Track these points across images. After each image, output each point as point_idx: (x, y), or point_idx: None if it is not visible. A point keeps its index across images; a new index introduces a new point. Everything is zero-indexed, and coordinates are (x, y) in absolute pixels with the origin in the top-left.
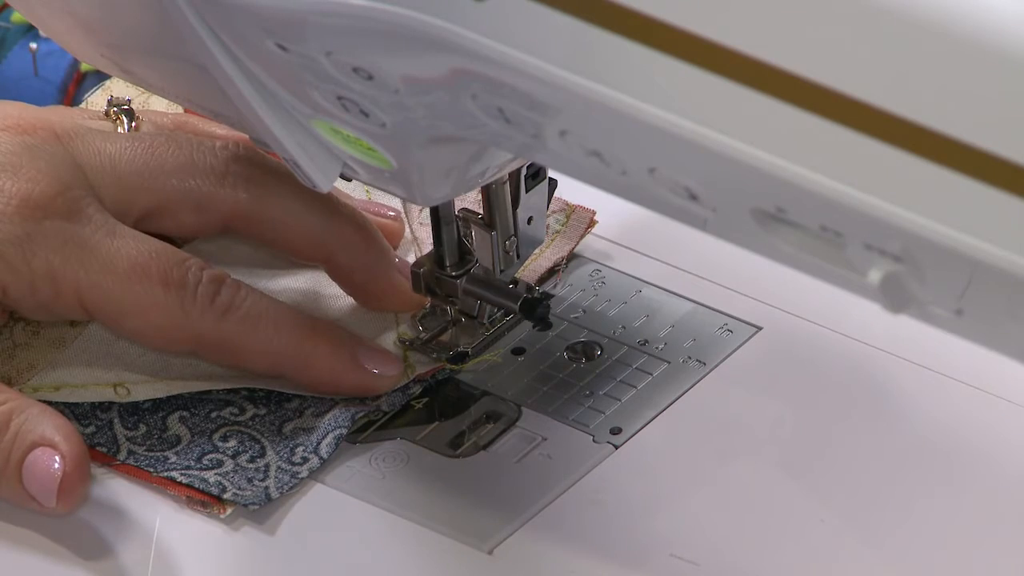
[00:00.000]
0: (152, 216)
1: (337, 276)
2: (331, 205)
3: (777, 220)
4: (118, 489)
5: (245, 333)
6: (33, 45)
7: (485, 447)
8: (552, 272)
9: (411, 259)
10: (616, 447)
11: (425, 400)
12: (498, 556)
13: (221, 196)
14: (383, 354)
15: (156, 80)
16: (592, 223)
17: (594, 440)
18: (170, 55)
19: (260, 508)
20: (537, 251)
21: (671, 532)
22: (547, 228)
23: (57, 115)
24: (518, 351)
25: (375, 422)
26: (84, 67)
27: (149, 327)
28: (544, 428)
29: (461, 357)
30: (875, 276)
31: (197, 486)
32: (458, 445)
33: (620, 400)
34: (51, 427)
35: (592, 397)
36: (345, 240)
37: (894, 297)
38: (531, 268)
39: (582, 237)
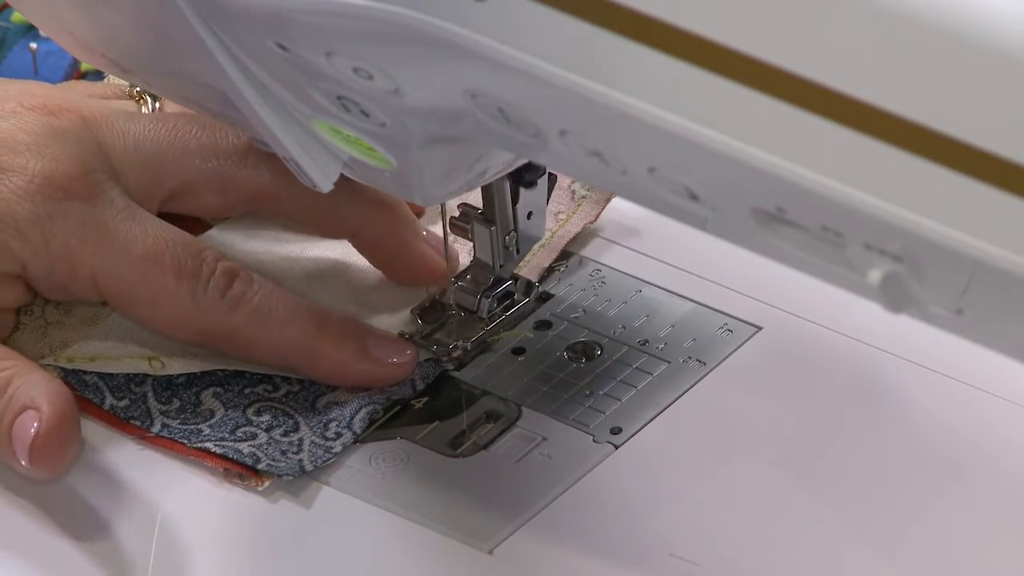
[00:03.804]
0: (176, 197)
1: (364, 250)
2: (358, 184)
3: (777, 220)
4: (119, 486)
5: (253, 327)
6: (33, 45)
7: (485, 447)
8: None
9: (437, 229)
10: (616, 447)
11: (425, 400)
12: (498, 556)
13: (244, 175)
14: (394, 342)
15: (157, 80)
16: None
17: (594, 440)
18: (170, 58)
19: (293, 480)
20: (564, 216)
21: (671, 532)
22: (572, 193)
23: (81, 93)
24: (518, 351)
25: (375, 421)
26: (84, 67)
27: (159, 316)
28: (544, 428)
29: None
30: (875, 276)
31: (231, 456)
32: (458, 445)
33: (620, 400)
34: (42, 391)
35: (592, 397)
36: (371, 214)
37: (894, 297)
38: (559, 235)
39: (608, 200)
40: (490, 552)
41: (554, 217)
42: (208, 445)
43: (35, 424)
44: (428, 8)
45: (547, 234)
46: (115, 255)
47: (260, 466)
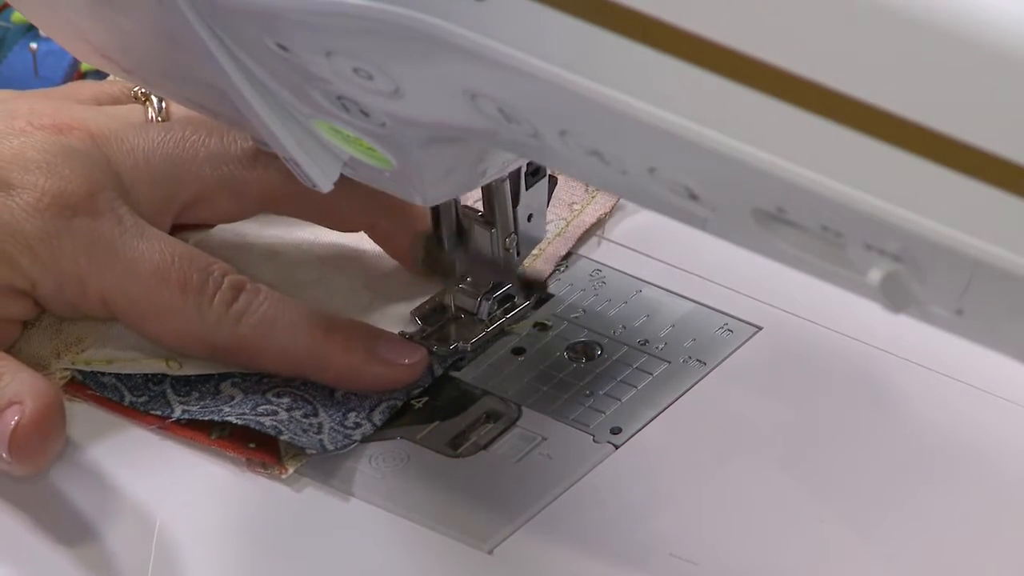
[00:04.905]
0: (191, 207)
1: (380, 240)
2: None
3: (777, 220)
4: (119, 487)
5: (261, 337)
6: (33, 45)
7: (485, 447)
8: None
9: None
10: (616, 447)
11: (425, 400)
12: (498, 556)
13: (255, 178)
14: (404, 344)
15: (158, 81)
16: None
17: (594, 440)
18: (170, 58)
19: (316, 455)
20: (579, 207)
21: (671, 532)
22: (587, 186)
23: (87, 95)
24: (518, 351)
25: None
26: (84, 67)
27: (168, 332)
28: (544, 428)
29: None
30: (875, 276)
31: (253, 427)
32: (458, 445)
33: (620, 400)
34: (27, 388)
35: (592, 397)
36: (385, 204)
37: (894, 297)
38: (574, 224)
39: None
40: (490, 552)
41: (568, 207)
42: (230, 419)
43: (16, 418)
44: (428, 8)
45: (562, 223)
46: (123, 272)
47: (283, 438)
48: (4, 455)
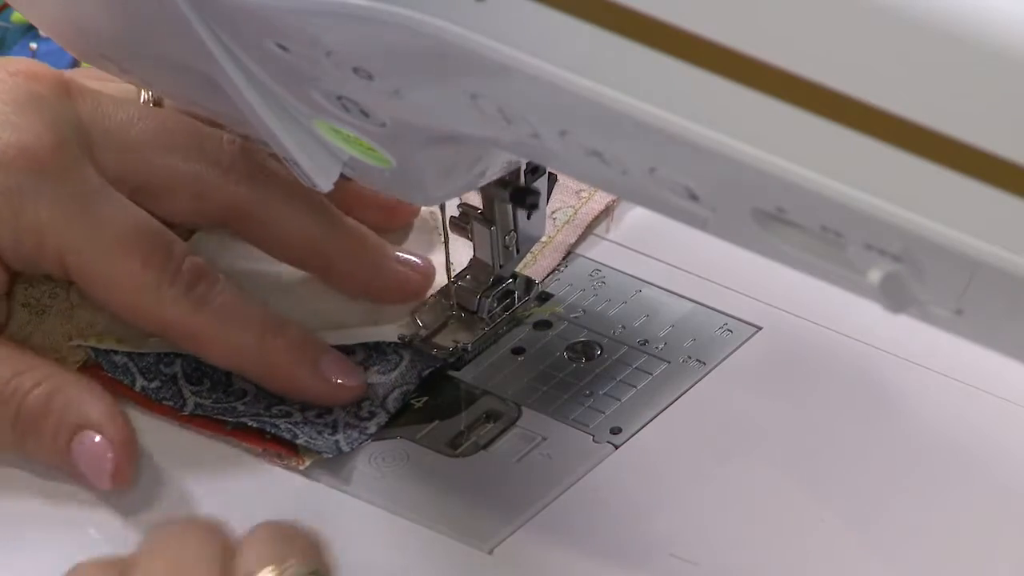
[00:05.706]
0: (150, 192)
1: (337, 282)
2: (331, 216)
3: (777, 220)
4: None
5: (212, 327)
6: (33, 45)
7: (485, 447)
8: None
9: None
10: (616, 447)
11: (425, 399)
12: (498, 556)
13: (221, 187)
14: (345, 365)
15: (156, 80)
16: None
17: (594, 440)
18: (170, 57)
19: (333, 458)
20: (586, 195)
21: (671, 532)
22: None
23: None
24: (518, 351)
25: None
26: (84, 67)
27: (121, 302)
28: (544, 428)
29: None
30: (875, 276)
31: (268, 429)
32: (458, 445)
33: (620, 400)
34: (95, 409)
35: (592, 397)
36: (343, 248)
37: (894, 297)
38: (582, 212)
39: None
40: (490, 552)
41: (576, 195)
42: (245, 420)
43: (106, 449)
44: (428, 8)
45: (570, 211)
46: (85, 234)
47: (298, 441)
48: (104, 487)
